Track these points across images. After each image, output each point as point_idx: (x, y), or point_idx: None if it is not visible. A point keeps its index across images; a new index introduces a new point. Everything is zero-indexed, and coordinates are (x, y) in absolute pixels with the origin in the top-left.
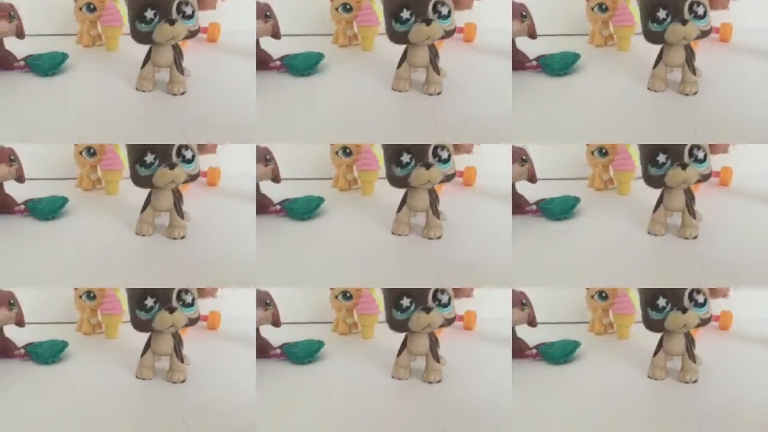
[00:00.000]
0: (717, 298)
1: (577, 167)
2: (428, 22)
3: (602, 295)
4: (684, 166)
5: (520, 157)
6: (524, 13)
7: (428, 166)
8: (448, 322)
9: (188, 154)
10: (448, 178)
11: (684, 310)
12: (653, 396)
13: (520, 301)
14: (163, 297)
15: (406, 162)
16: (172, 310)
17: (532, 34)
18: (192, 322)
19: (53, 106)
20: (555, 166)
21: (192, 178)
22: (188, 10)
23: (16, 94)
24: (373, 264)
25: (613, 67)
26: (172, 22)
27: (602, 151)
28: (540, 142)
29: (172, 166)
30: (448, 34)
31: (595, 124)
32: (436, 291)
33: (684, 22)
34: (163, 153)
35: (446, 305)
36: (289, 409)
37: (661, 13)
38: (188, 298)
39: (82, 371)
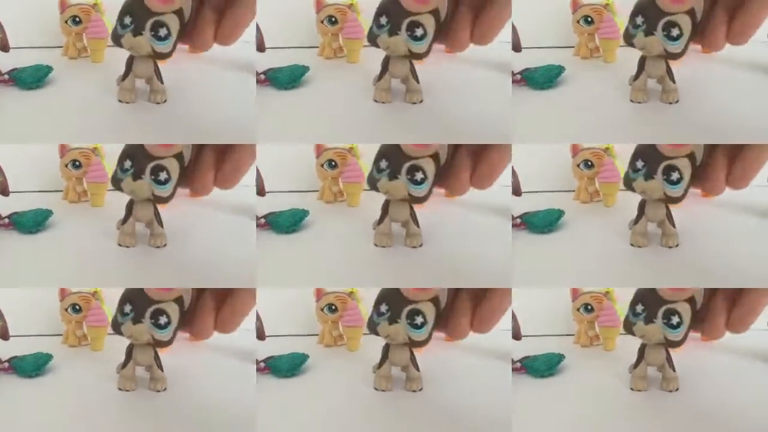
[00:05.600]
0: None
1: (563, 180)
2: (393, 34)
3: (588, 307)
4: (647, 177)
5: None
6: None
7: (391, 178)
8: (414, 343)
9: (162, 176)
10: (415, 199)
11: (648, 322)
12: (638, 407)
13: (510, 315)
14: (139, 309)
15: (382, 168)
16: (135, 322)
17: (517, 47)
18: (159, 343)
19: (38, 118)
20: (540, 179)
21: (158, 199)
22: (163, 32)
23: (0, 106)
24: (360, 271)
25: (599, 78)
26: (135, 34)
27: (588, 164)
28: (524, 151)
29: (135, 178)
30: (415, 55)
31: (580, 133)
32: (411, 310)
33: (647, 34)
34: (138, 165)
35: (419, 327)
36: (274, 420)
37: (638, 20)
38: (163, 320)
39: (67, 383)
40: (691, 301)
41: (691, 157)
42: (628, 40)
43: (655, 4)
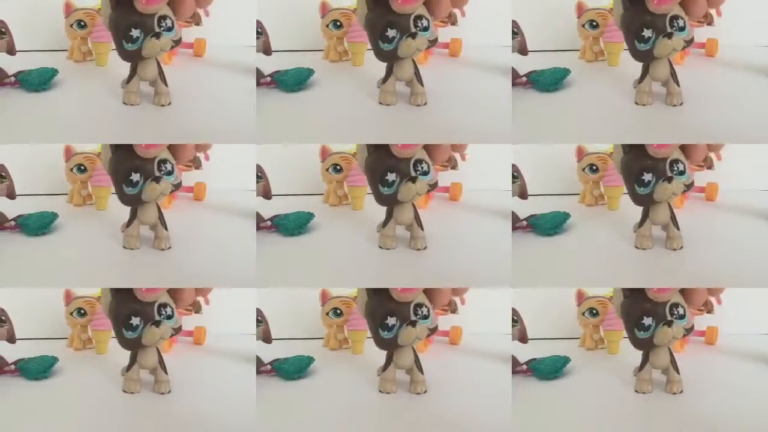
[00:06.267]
0: (703, 314)
1: (568, 183)
2: (413, 35)
3: (593, 311)
4: (669, 180)
5: (511, 174)
6: (515, 29)
7: (414, 179)
8: (431, 331)
9: (168, 167)
10: (431, 187)
11: (669, 324)
12: (642, 409)
13: (511, 318)
14: (147, 313)
15: (392, 180)
16: (158, 324)
17: (523, 50)
18: (176, 331)
19: (44, 121)
20: (546, 182)
21: (175, 187)
22: (168, 23)
23: (6, 110)
24: (365, 274)
25: (604, 81)
26: (158, 36)
27: (593, 168)
28: (530, 154)
29: (158, 180)
30: (432, 43)
31: (585, 136)
32: (416, 305)
33: (669, 36)
34: (147, 169)
35: (426, 317)
36: (279, 423)
37: (647, 33)
38: (168, 311)
39: (72, 386)
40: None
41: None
42: (643, 56)
43: (650, 11)
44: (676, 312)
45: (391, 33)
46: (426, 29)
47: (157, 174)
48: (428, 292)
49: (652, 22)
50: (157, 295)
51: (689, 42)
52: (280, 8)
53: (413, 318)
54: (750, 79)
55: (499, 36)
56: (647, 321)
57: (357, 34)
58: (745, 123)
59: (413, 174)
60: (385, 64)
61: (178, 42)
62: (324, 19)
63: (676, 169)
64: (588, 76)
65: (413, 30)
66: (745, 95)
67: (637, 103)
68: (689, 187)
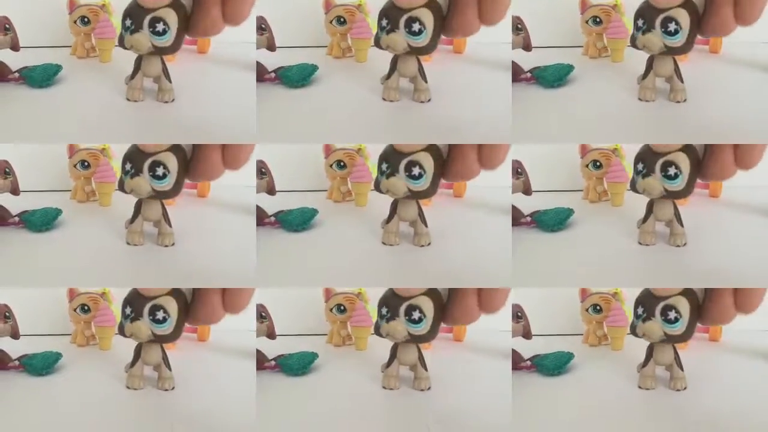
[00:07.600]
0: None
1: (572, 179)
2: (389, 31)
3: (596, 308)
4: (646, 176)
5: (515, 170)
6: (519, 25)
7: (389, 176)
8: (415, 338)
9: (159, 171)
10: (416, 194)
11: (645, 320)
12: (646, 405)
13: (515, 314)
14: (138, 307)
15: (384, 170)
16: (133, 320)
17: (527, 47)
18: (159, 338)
19: (48, 117)
20: (550, 179)
21: (159, 194)
22: (160, 27)
23: (10, 106)
24: (368, 270)
25: (607, 77)
26: (132, 32)
27: (596, 164)
28: (533, 150)
29: (133, 176)
30: (417, 50)
31: (588, 132)
32: (409, 306)
33: (644, 32)
34: (136, 164)
35: (417, 322)
36: (283, 419)
37: (640, 22)
38: (160, 315)
39: (76, 382)
40: (688, 293)
41: (687, 150)
42: (633, 42)
43: (650, 3)
44: (666, 315)
45: (383, 22)
46: (415, 33)
47: (142, 172)
48: (452, 300)
49: (647, 14)
50: (154, 292)
51: (674, 49)
52: (284, 4)
53: (399, 315)
54: (754, 76)
55: (504, 32)
56: (640, 310)
57: (361, 30)
58: (749, 120)
59: (398, 172)
60: (389, 61)
61: (165, 49)
62: (328, 15)
63: (665, 171)
64: (591, 73)
65: (398, 27)
66: (749, 92)
67: (640, 100)
68: (675, 194)
